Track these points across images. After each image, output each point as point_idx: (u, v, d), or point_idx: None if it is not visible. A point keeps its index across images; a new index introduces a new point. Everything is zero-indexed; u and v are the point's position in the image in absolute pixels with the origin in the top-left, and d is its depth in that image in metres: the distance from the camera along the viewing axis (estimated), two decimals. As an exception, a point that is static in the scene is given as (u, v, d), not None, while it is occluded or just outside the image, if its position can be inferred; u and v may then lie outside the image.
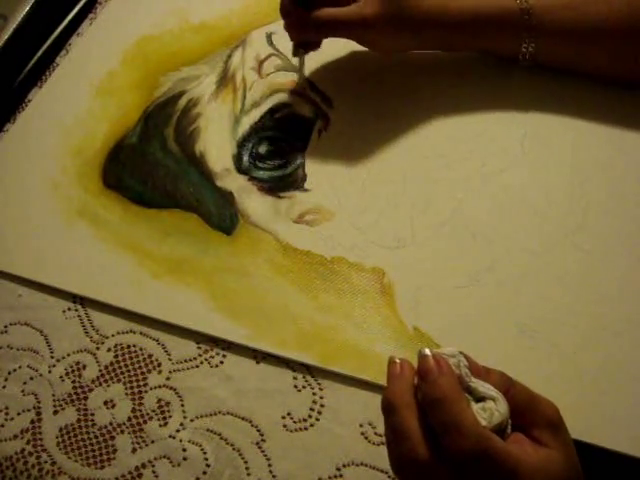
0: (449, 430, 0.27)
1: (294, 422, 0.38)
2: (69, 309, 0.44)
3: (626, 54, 0.42)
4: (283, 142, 0.48)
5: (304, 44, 0.48)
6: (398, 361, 0.30)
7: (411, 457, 0.27)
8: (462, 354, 0.29)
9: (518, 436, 0.28)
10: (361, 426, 0.37)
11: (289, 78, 0.51)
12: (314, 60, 0.50)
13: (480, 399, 0.28)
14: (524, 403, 0.29)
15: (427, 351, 0.29)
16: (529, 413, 0.28)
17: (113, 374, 0.42)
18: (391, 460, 0.29)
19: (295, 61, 0.50)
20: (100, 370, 0.42)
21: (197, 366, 0.41)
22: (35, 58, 0.59)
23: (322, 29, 0.45)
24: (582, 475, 0.28)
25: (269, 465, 0.37)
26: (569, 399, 0.35)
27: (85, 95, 0.54)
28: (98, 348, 0.43)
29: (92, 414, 0.40)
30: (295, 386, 0.39)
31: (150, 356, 0.42)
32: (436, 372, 0.28)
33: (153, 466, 0.38)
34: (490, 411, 0.27)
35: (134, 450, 0.39)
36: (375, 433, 0.37)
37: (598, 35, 0.42)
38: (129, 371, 0.41)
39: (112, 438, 0.39)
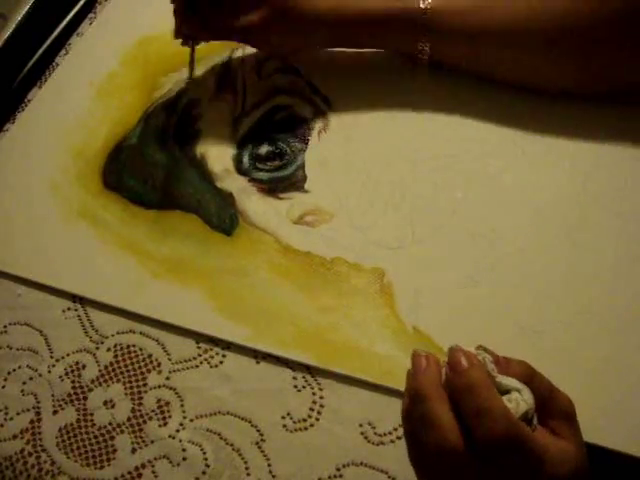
0: (480, 415, 0.27)
1: (294, 422, 0.38)
2: (69, 309, 0.44)
3: (527, 60, 0.42)
4: (283, 143, 0.48)
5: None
6: (423, 354, 0.31)
7: (441, 444, 0.28)
8: (485, 349, 0.30)
9: (539, 427, 0.29)
10: (361, 426, 0.37)
11: (289, 79, 0.51)
12: (314, 60, 0.50)
13: (505, 392, 0.29)
14: (544, 394, 0.29)
15: (455, 346, 0.30)
16: (548, 404, 0.29)
17: (113, 374, 0.42)
18: (413, 450, 0.30)
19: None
20: (100, 370, 0.42)
21: (197, 366, 0.41)
22: (35, 58, 0.59)
23: (218, 34, 0.47)
24: (588, 467, 0.29)
25: (269, 465, 0.37)
26: (571, 398, 0.36)
27: (85, 95, 0.54)
28: (98, 348, 0.43)
29: (92, 414, 0.40)
30: (295, 386, 0.39)
31: (150, 356, 0.42)
32: (466, 363, 0.29)
33: (153, 466, 0.38)
34: (516, 401, 0.28)
35: (134, 450, 0.39)
36: (375, 433, 0.37)
37: (495, 37, 0.42)
38: (129, 371, 0.41)
39: (112, 438, 0.39)
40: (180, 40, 0.49)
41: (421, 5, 0.42)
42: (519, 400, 0.28)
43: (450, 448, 0.27)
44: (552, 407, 0.29)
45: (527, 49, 0.41)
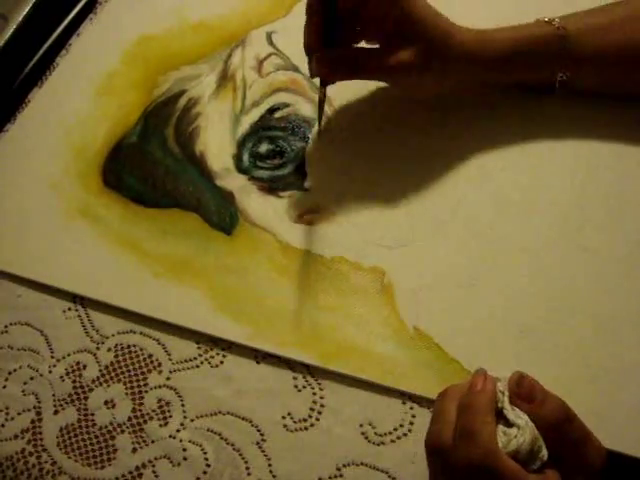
0: (464, 435, 0.28)
1: (294, 422, 0.38)
2: (69, 309, 0.44)
3: None
4: (283, 142, 0.48)
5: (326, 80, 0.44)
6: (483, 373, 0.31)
7: (439, 439, 0.29)
8: (520, 379, 0.30)
9: (550, 473, 0.28)
10: (361, 426, 0.37)
11: (289, 77, 0.51)
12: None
13: (510, 426, 0.28)
14: (574, 442, 0.28)
15: (482, 369, 0.31)
16: (575, 454, 0.28)
17: (113, 374, 0.42)
18: (426, 436, 0.30)
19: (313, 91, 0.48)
20: (100, 370, 0.42)
21: (197, 366, 0.41)
22: (35, 58, 0.59)
23: (350, 70, 0.42)
24: None
25: (269, 465, 0.37)
26: (570, 400, 0.35)
27: (85, 95, 0.54)
28: (98, 348, 0.43)
29: (92, 414, 0.40)
30: (295, 386, 0.39)
31: (150, 356, 0.42)
32: (479, 386, 0.29)
33: (153, 466, 0.38)
34: (509, 437, 0.28)
35: (134, 450, 0.39)
36: (375, 433, 0.37)
37: (637, 56, 0.40)
38: (129, 371, 0.41)
39: (112, 438, 0.39)
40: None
41: (555, 26, 0.40)
42: (512, 436, 0.28)
43: (442, 443, 0.29)
44: (580, 461, 0.28)
45: None
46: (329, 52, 0.42)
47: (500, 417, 0.29)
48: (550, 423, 0.28)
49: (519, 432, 0.28)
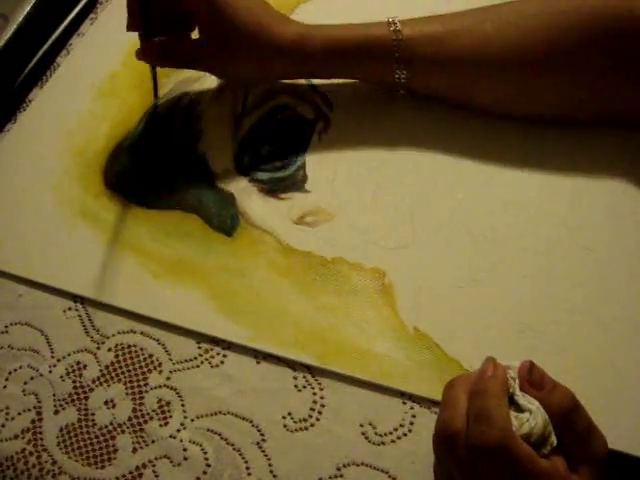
0: (480, 418, 0.28)
1: (294, 422, 0.38)
2: (69, 309, 0.44)
3: (503, 89, 0.42)
4: (284, 143, 0.48)
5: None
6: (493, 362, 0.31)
7: (450, 426, 0.29)
8: (531, 367, 0.30)
9: (559, 459, 0.28)
10: (361, 426, 0.37)
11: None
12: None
13: (520, 411, 0.29)
14: (580, 433, 0.29)
15: (491, 357, 0.31)
16: (581, 445, 0.28)
17: (114, 374, 0.42)
18: (436, 425, 0.30)
19: None
20: (101, 370, 0.42)
21: (197, 366, 0.41)
22: (36, 58, 0.59)
23: (168, 61, 0.47)
24: None
25: (269, 465, 0.37)
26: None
27: (86, 96, 0.54)
28: (99, 348, 0.43)
29: (93, 414, 0.41)
30: (295, 386, 0.39)
31: (151, 356, 0.42)
32: (490, 372, 0.30)
33: (154, 466, 0.38)
34: (521, 421, 0.28)
35: (134, 450, 0.39)
36: (376, 433, 0.37)
37: (469, 67, 0.41)
38: (130, 371, 0.41)
39: (112, 438, 0.40)
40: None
41: (391, 29, 0.41)
42: (524, 420, 0.28)
43: (452, 430, 0.29)
44: (584, 450, 0.28)
45: (502, 77, 0.41)
46: (148, 45, 0.46)
47: (511, 403, 0.29)
48: (558, 411, 0.29)
49: (531, 416, 0.28)
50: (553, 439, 0.28)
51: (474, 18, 0.42)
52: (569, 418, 0.29)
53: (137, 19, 0.45)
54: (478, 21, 0.41)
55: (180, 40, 0.47)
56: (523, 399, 0.29)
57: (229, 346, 0.41)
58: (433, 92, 0.44)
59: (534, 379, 0.30)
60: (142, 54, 0.47)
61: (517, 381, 0.30)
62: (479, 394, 0.29)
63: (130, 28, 0.46)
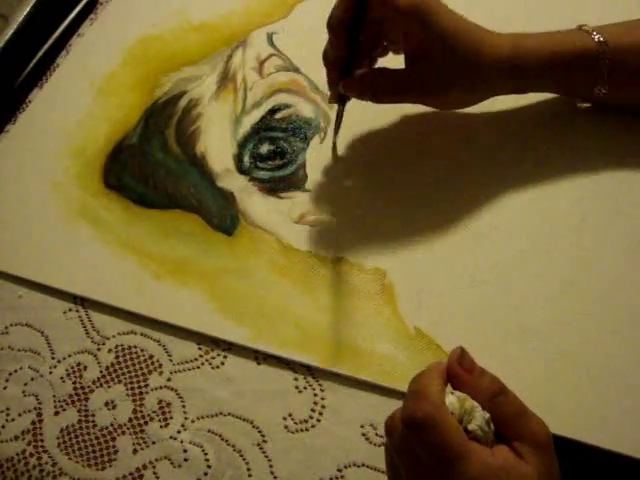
0: (413, 395, 0.29)
1: (295, 423, 0.38)
2: (70, 310, 0.44)
3: None
4: (284, 142, 0.48)
5: (345, 98, 0.43)
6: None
7: (389, 419, 0.30)
8: (459, 349, 0.31)
9: (500, 446, 0.28)
10: (362, 427, 0.37)
11: (290, 78, 0.51)
12: (316, 62, 0.50)
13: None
14: (511, 414, 0.29)
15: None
16: (515, 425, 0.29)
17: (114, 375, 0.41)
18: None
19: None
20: (101, 371, 0.42)
21: (198, 367, 0.41)
22: (36, 59, 0.59)
23: (380, 94, 0.41)
24: None
25: (270, 466, 0.37)
26: (570, 400, 0.35)
27: (86, 96, 0.54)
28: (99, 349, 0.42)
29: (93, 415, 0.40)
30: (296, 387, 0.39)
31: (151, 357, 0.42)
32: (430, 366, 0.30)
33: (154, 467, 0.38)
34: (461, 403, 0.29)
35: (135, 451, 0.39)
36: (376, 434, 0.37)
37: None
38: (130, 372, 0.41)
39: (113, 439, 0.39)
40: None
41: (596, 39, 0.38)
42: (459, 403, 0.29)
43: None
44: (519, 429, 0.29)
45: None
46: (356, 75, 0.40)
47: None
48: (487, 393, 0.29)
49: (474, 409, 0.29)
50: (479, 414, 0.29)
51: None
52: (498, 400, 0.29)
53: (343, 51, 0.40)
54: None
55: (382, 71, 0.41)
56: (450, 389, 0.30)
57: (229, 347, 0.41)
58: (629, 104, 0.41)
59: (465, 363, 0.30)
60: (347, 88, 0.41)
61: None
62: (416, 376, 0.30)
63: (332, 64, 0.41)
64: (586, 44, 0.39)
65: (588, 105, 0.42)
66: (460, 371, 0.30)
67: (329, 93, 0.43)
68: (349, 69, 0.41)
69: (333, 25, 0.39)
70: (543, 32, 0.40)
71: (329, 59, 0.41)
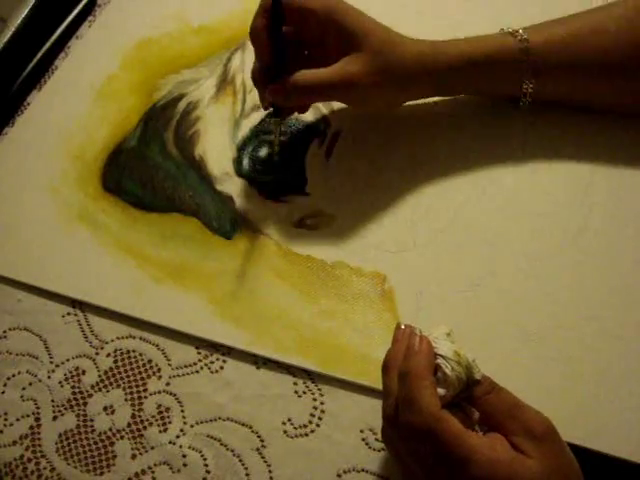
0: (404, 404, 0.29)
1: (294, 428, 0.38)
2: (68, 314, 0.44)
3: (633, 88, 0.41)
4: (283, 146, 0.48)
5: (280, 110, 0.43)
6: (403, 327, 0.33)
7: (386, 413, 0.31)
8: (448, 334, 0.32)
9: (496, 435, 0.29)
10: (362, 432, 0.37)
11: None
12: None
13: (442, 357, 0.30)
14: (505, 409, 0.30)
15: (417, 330, 0.32)
16: (510, 420, 0.29)
17: (113, 379, 0.41)
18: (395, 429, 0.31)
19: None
20: (99, 375, 0.42)
21: (197, 371, 0.41)
22: (34, 61, 0.58)
23: (304, 94, 0.41)
24: None
25: (269, 471, 0.37)
26: (571, 404, 0.35)
27: (84, 98, 0.54)
28: (97, 353, 0.42)
29: (91, 420, 0.40)
30: (295, 392, 0.39)
31: (150, 361, 0.41)
32: (415, 348, 0.31)
33: (153, 472, 0.38)
34: (443, 377, 0.29)
35: (134, 456, 0.39)
36: (376, 439, 0.37)
37: (601, 69, 0.40)
38: (129, 376, 0.41)
39: (112, 444, 0.39)
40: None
41: (517, 38, 0.40)
42: (442, 374, 0.30)
43: (390, 418, 0.30)
44: (514, 424, 0.29)
45: (630, 76, 0.40)
46: (281, 81, 0.40)
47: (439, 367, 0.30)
48: (480, 391, 0.30)
49: (447, 362, 0.30)
50: (478, 370, 0.30)
51: (594, 18, 0.40)
52: (490, 398, 0.30)
53: (268, 57, 0.41)
54: (599, 21, 0.40)
55: (304, 73, 0.41)
56: (442, 359, 0.30)
57: (229, 352, 0.41)
58: (556, 98, 0.43)
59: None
60: (276, 93, 0.41)
61: (442, 342, 0.31)
62: (404, 377, 0.30)
63: (259, 76, 0.42)
64: (506, 43, 0.40)
65: (526, 103, 0.43)
66: None
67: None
68: (275, 78, 0.41)
69: (254, 35, 0.40)
70: (467, 37, 0.41)
71: (256, 72, 0.42)
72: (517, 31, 0.41)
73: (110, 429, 0.40)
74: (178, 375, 0.41)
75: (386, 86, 0.41)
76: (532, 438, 0.28)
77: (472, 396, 0.30)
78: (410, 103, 0.46)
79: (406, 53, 0.40)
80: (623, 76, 0.40)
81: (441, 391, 0.29)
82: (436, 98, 0.45)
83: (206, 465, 0.38)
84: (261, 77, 0.42)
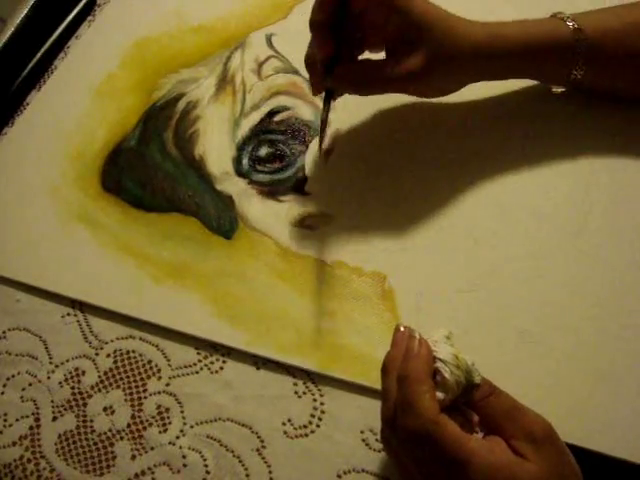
0: (403, 408, 0.29)
1: (294, 428, 0.38)
2: (68, 314, 0.44)
3: None
4: (283, 145, 0.48)
5: (332, 94, 0.43)
6: (402, 329, 0.32)
7: (385, 415, 0.31)
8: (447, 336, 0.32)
9: (496, 438, 0.29)
10: (362, 432, 0.37)
11: (289, 80, 0.51)
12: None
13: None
14: (504, 412, 0.29)
15: (417, 333, 0.31)
16: (509, 423, 0.29)
17: (112, 380, 0.41)
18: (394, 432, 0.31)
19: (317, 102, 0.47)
20: (99, 376, 0.42)
21: (197, 372, 0.40)
22: (34, 61, 0.58)
23: (371, 87, 0.42)
24: None
25: (269, 472, 0.37)
26: (569, 404, 0.35)
27: (84, 98, 0.54)
28: (97, 354, 0.42)
29: (91, 420, 0.40)
30: (295, 392, 0.39)
31: (150, 362, 0.41)
32: (414, 352, 0.30)
33: (153, 473, 0.38)
34: (442, 381, 0.29)
35: (133, 457, 0.39)
36: (376, 439, 0.37)
37: None
38: (128, 377, 0.41)
39: (111, 445, 0.39)
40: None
41: (571, 26, 0.39)
42: (441, 378, 0.29)
43: (388, 420, 0.30)
44: (514, 427, 0.29)
45: None
46: (340, 68, 0.41)
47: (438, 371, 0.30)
48: (479, 395, 0.30)
49: (446, 366, 0.30)
50: (477, 375, 0.30)
51: None
52: (489, 401, 0.30)
53: (325, 42, 0.40)
54: None
55: (365, 62, 0.42)
56: (441, 363, 0.30)
57: (228, 352, 0.41)
58: (603, 88, 0.42)
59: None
60: (336, 79, 0.41)
61: (442, 345, 0.31)
62: (403, 381, 0.30)
63: (320, 55, 0.41)
64: (561, 31, 0.40)
65: (563, 90, 0.43)
66: None
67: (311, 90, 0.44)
68: (333, 67, 0.41)
69: (317, 24, 0.40)
70: (518, 20, 0.41)
71: (314, 60, 0.42)
72: (569, 17, 0.40)
73: (110, 430, 0.40)
74: (178, 375, 0.41)
75: (444, 76, 0.41)
76: (532, 441, 0.28)
77: (472, 399, 0.30)
78: (411, 103, 0.46)
79: (463, 40, 0.40)
80: None
81: (440, 395, 0.29)
82: (437, 99, 0.45)
83: (206, 466, 0.38)
84: (321, 64, 0.41)
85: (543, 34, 0.40)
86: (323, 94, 0.43)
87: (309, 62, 0.42)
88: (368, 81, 0.41)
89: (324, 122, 0.43)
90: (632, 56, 0.40)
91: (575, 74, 0.41)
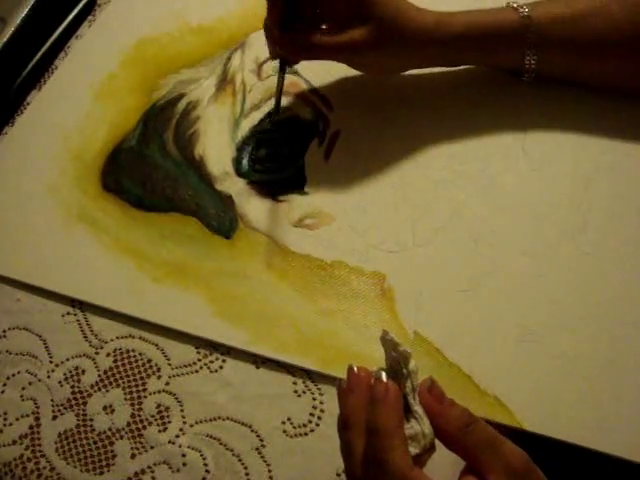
0: (374, 465, 0.27)
1: (294, 427, 0.38)
2: (68, 313, 0.44)
3: (631, 68, 0.41)
4: (282, 145, 0.48)
5: (286, 63, 0.46)
6: (356, 370, 0.30)
7: (352, 474, 0.28)
8: (432, 384, 0.30)
9: (469, 478, 0.27)
10: (361, 431, 0.37)
11: (289, 80, 0.51)
12: (314, 63, 0.50)
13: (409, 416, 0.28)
14: (483, 443, 0.27)
15: (383, 375, 0.29)
16: (488, 455, 0.27)
17: (112, 379, 0.41)
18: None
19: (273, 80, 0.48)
20: (99, 375, 0.42)
21: (197, 371, 0.41)
22: (34, 61, 0.58)
23: (312, 52, 0.44)
24: None
25: (269, 471, 0.37)
26: (571, 404, 0.35)
27: (84, 98, 0.54)
28: (97, 353, 0.42)
29: (91, 419, 0.40)
30: (295, 391, 0.39)
31: (149, 361, 0.41)
32: (382, 398, 0.28)
33: (152, 472, 0.38)
34: (418, 437, 0.28)
35: (133, 456, 0.39)
36: (375, 439, 0.37)
37: (600, 49, 0.41)
38: (128, 376, 0.41)
39: (111, 444, 0.39)
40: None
41: (520, 12, 0.41)
42: (418, 433, 0.28)
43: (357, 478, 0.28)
44: (492, 460, 0.27)
45: (630, 57, 0.41)
46: (286, 34, 0.43)
47: (407, 411, 0.29)
48: (457, 424, 0.28)
49: (420, 423, 0.28)
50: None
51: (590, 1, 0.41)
52: (469, 430, 0.28)
53: (278, 10, 0.43)
54: (603, 2, 0.41)
55: (320, 30, 0.44)
56: (414, 403, 0.29)
57: (228, 351, 0.41)
58: (559, 75, 0.44)
59: (435, 394, 0.29)
60: (284, 46, 0.44)
61: (410, 382, 0.29)
62: (373, 434, 0.28)
63: (270, 22, 0.44)
64: (510, 19, 0.41)
65: (531, 78, 0.44)
66: (430, 400, 0.29)
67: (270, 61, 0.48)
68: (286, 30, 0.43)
69: None
70: (471, 10, 0.43)
71: (268, 25, 0.44)
72: (521, 6, 0.42)
73: (110, 429, 0.40)
74: (178, 375, 0.41)
75: (388, 54, 0.43)
76: (512, 475, 0.27)
77: (416, 387, 0.29)
78: (410, 103, 0.46)
79: (411, 22, 0.41)
80: (627, 58, 0.41)
81: (412, 450, 0.27)
82: (439, 99, 0.46)
83: (205, 465, 0.38)
84: (273, 28, 0.43)
85: (491, 22, 0.42)
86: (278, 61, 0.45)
87: (266, 28, 0.44)
88: (311, 46, 0.43)
89: (279, 88, 0.45)
90: (576, 43, 0.41)
91: (529, 61, 0.42)
